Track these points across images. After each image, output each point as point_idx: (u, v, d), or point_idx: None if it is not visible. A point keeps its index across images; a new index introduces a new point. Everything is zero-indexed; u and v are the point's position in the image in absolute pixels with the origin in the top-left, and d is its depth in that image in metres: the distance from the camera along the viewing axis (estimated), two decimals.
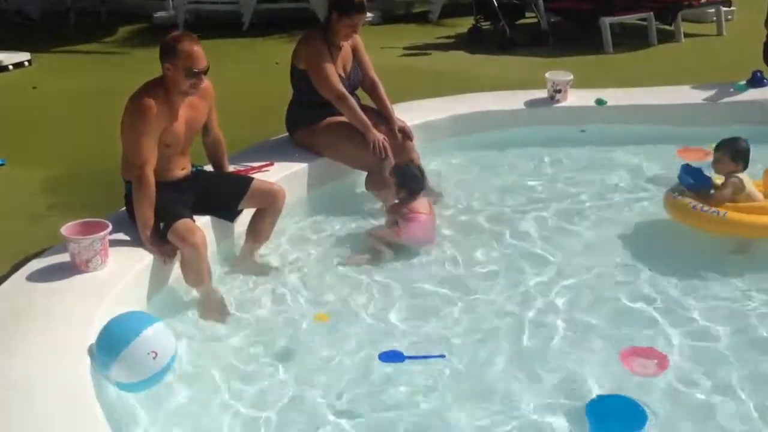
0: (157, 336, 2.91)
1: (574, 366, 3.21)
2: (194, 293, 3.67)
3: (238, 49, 8.74)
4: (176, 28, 9.88)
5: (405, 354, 3.23)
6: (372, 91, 4.79)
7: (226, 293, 3.74)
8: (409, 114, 5.09)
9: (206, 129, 3.94)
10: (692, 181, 4.03)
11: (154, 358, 2.86)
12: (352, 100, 4.57)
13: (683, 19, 8.50)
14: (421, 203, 4.25)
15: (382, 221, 4.42)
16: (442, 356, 3.25)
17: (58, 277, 3.35)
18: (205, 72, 3.58)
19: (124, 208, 3.82)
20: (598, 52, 8.06)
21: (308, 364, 3.26)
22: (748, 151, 4.04)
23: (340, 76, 4.56)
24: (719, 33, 8.56)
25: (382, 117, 4.72)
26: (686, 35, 8.47)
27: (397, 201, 4.28)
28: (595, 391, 3.04)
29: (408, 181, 4.26)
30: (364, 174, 4.66)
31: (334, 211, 4.57)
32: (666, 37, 8.39)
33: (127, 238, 3.66)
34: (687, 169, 4.07)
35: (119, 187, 3.81)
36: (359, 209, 4.64)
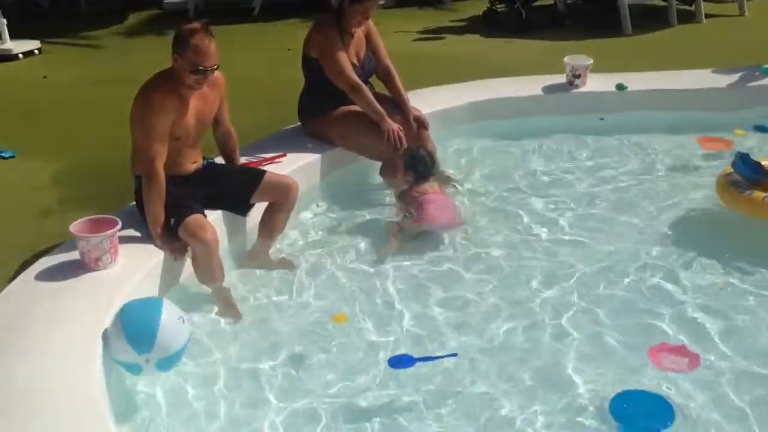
0: (171, 304, 2.96)
1: (600, 360, 3.11)
2: (206, 290, 3.59)
3: (250, 35, 8.60)
4: (187, 15, 9.80)
5: (415, 357, 3.11)
6: (386, 78, 4.67)
7: (239, 291, 3.66)
8: (425, 101, 4.98)
9: (217, 121, 3.84)
10: (748, 170, 3.91)
11: (183, 322, 2.93)
12: (366, 89, 4.46)
13: None
14: (429, 185, 4.19)
15: (396, 211, 4.32)
16: (454, 355, 3.14)
17: (67, 275, 3.28)
18: (212, 71, 3.46)
19: (135, 203, 3.74)
20: (616, 35, 7.87)
21: (324, 367, 3.16)
22: None
23: (353, 64, 4.45)
24: (741, 13, 8.35)
25: (396, 106, 4.60)
26: (707, 15, 8.26)
27: (405, 187, 4.21)
28: (621, 386, 2.94)
29: (415, 164, 4.21)
30: (379, 164, 4.56)
31: (349, 202, 4.47)
32: (686, 18, 8.19)
33: (137, 234, 3.58)
34: (743, 158, 3.96)
35: (131, 180, 3.71)
36: (375, 200, 4.54)
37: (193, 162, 3.74)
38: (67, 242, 3.48)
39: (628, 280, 3.66)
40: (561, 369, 3.09)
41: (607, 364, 3.10)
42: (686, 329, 3.28)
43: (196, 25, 3.49)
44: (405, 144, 4.40)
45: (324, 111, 4.58)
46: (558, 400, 2.91)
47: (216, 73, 3.54)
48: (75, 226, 3.30)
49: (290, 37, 8.46)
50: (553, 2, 8.67)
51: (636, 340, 3.23)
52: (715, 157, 4.81)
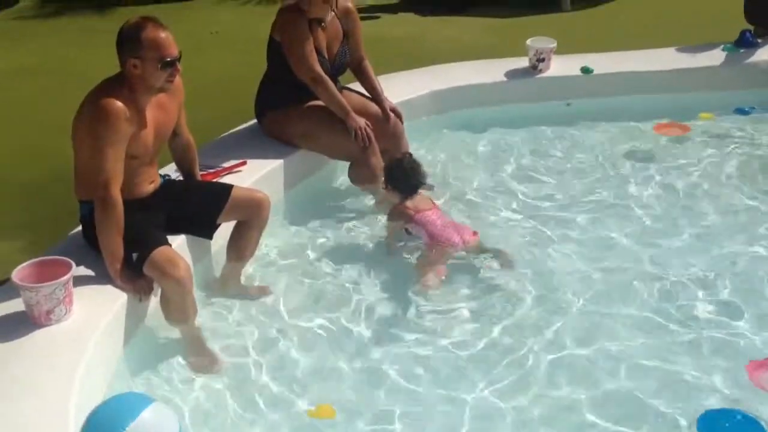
0: (158, 419, 2.28)
1: (689, 373, 2.91)
2: (176, 332, 3.07)
3: (163, 16, 7.82)
4: None
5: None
6: (358, 69, 4.21)
7: (210, 329, 3.16)
8: (385, 90, 4.49)
9: (174, 131, 3.29)
10: None
11: None
12: (329, 81, 3.98)
13: None
14: (421, 200, 3.70)
15: (374, 219, 3.92)
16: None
17: (11, 335, 2.68)
18: (179, 59, 2.93)
19: (81, 232, 3.16)
20: (556, 11, 7.59)
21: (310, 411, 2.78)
22: None
23: (321, 56, 3.95)
24: None
25: (370, 98, 4.18)
26: None
27: (395, 205, 3.73)
28: (712, 403, 2.73)
29: (399, 177, 3.71)
30: (346, 165, 4.11)
31: (320, 211, 4.03)
32: None
33: (89, 272, 3.00)
34: None
35: (65, 197, 3.12)
36: (348, 207, 4.12)
37: (150, 182, 3.18)
38: (3, 289, 2.88)
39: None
40: (648, 376, 2.90)
41: (698, 377, 2.89)
42: None
43: (135, 19, 2.96)
44: (374, 141, 3.98)
45: (285, 103, 4.08)
46: (643, 412, 2.73)
47: None
48: (18, 273, 2.71)
49: (210, 18, 7.82)
50: None
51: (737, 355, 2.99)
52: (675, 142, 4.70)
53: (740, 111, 4.97)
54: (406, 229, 3.61)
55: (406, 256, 3.60)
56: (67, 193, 3.16)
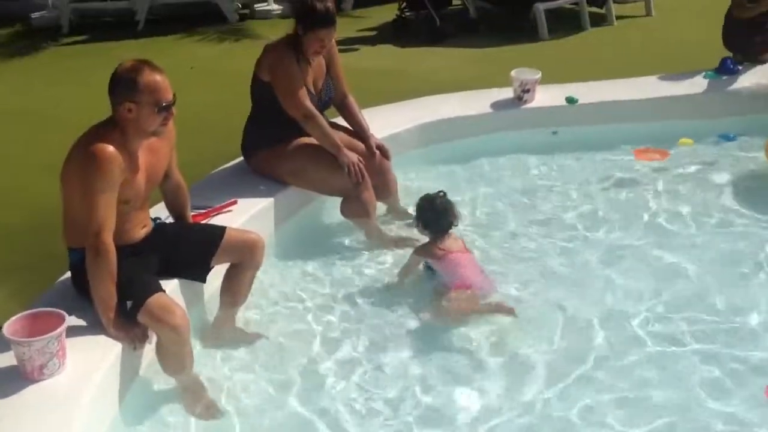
0: None
1: (705, 399, 2.88)
2: (172, 381, 2.97)
3: (139, 53, 7.72)
4: (59, 30, 8.81)
5: None
6: (343, 105, 4.17)
7: (207, 376, 3.06)
8: (371, 123, 4.44)
9: (166, 173, 3.20)
10: None
11: None
12: (321, 118, 3.94)
13: None
14: (453, 241, 3.59)
15: (366, 253, 3.90)
16: None
17: (3, 392, 2.55)
18: (174, 102, 2.87)
19: (71, 280, 3.05)
20: (532, 40, 7.64)
21: None
22: None
23: (309, 92, 3.91)
24: (648, 14, 8.34)
25: (356, 135, 4.12)
26: (616, 17, 8.20)
27: (425, 243, 3.64)
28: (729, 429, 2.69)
29: (428, 221, 3.59)
30: (334, 199, 4.05)
31: (313, 248, 3.97)
32: (597, 21, 8.09)
33: (81, 322, 2.89)
34: None
35: (46, 241, 3.00)
36: (339, 242, 4.06)
37: (142, 226, 3.09)
38: None
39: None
40: (662, 404, 2.86)
41: (716, 402, 2.87)
42: None
43: (131, 63, 2.87)
44: (366, 176, 3.92)
45: (273, 143, 4.01)
46: None
47: None
48: (9, 327, 2.59)
49: (187, 53, 7.76)
50: (461, 7, 8.37)
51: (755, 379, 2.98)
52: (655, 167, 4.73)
53: (724, 137, 5.00)
54: (427, 265, 3.55)
55: (412, 289, 3.57)
56: (48, 237, 3.06)
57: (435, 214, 3.59)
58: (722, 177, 4.59)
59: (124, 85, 2.78)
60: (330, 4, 3.82)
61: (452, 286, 3.40)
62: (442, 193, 3.66)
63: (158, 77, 2.81)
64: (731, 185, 4.49)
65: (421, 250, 3.61)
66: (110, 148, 2.74)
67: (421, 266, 3.64)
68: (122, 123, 2.81)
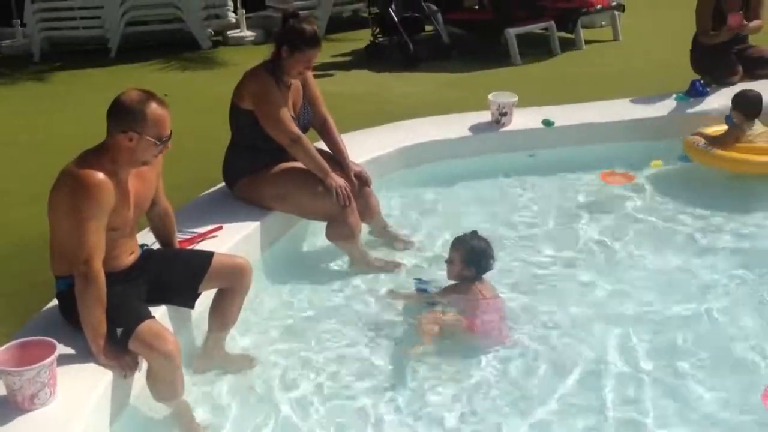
0: None
1: (703, 404, 2.93)
2: (163, 407, 2.94)
3: (112, 80, 7.70)
4: (30, 59, 8.77)
5: None
6: (323, 129, 4.18)
7: (197, 401, 3.03)
8: (348, 149, 4.46)
9: (153, 200, 3.19)
10: None
11: None
12: (308, 142, 3.95)
13: None
14: (488, 286, 3.55)
15: (352, 277, 3.90)
16: None
17: None
18: (170, 136, 2.89)
19: (58, 308, 3.02)
20: (503, 65, 7.79)
21: None
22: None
23: (291, 116, 3.93)
24: (615, 38, 8.56)
25: (334, 160, 4.12)
26: (585, 42, 8.39)
27: (455, 282, 3.57)
28: None
29: (478, 257, 3.50)
30: (319, 223, 4.07)
31: (299, 272, 3.97)
32: (567, 45, 8.27)
33: (69, 350, 2.85)
34: None
35: (28, 269, 2.97)
36: (324, 266, 4.07)
37: (130, 253, 3.07)
38: None
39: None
40: (663, 409, 2.89)
41: (712, 406, 2.91)
42: None
43: (138, 93, 2.86)
44: (353, 200, 3.95)
45: (256, 169, 4.02)
46: None
47: None
48: None
49: (160, 80, 7.75)
50: (434, 32, 8.49)
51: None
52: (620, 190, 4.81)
53: (683, 159, 5.05)
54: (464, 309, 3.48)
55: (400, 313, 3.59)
56: (30, 265, 3.02)
57: (481, 256, 3.53)
58: (686, 195, 4.69)
59: (130, 114, 2.78)
60: (315, 27, 3.89)
61: (468, 321, 3.40)
62: (479, 236, 3.60)
63: (164, 112, 2.84)
64: (692, 204, 4.57)
65: (458, 289, 3.53)
66: (100, 175, 2.73)
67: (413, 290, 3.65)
68: (116, 150, 2.81)
